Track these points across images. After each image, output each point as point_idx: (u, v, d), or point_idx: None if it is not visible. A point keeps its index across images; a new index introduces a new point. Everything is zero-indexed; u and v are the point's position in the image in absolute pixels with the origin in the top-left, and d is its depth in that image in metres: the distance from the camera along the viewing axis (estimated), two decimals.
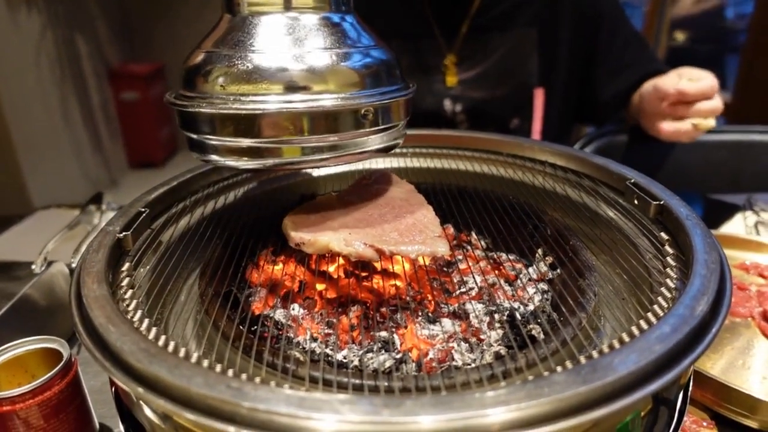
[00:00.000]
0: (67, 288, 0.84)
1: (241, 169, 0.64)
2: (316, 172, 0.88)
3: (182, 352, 0.43)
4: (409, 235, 0.62)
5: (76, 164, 3.32)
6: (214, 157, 0.61)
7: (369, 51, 0.61)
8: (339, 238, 0.60)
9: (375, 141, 0.62)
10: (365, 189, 0.74)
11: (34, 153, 2.88)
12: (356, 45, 0.60)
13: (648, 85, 1.18)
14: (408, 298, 0.63)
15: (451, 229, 0.80)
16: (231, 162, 0.60)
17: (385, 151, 0.65)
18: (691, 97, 1.05)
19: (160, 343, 0.44)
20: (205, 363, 0.42)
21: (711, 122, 1.06)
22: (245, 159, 0.59)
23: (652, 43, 2.93)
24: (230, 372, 0.40)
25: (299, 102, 0.55)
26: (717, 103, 1.05)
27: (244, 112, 0.56)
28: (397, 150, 0.90)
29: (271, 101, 0.55)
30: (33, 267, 0.86)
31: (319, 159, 0.60)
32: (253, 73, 0.56)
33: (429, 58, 1.29)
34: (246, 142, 0.58)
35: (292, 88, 0.55)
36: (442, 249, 0.60)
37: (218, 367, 0.41)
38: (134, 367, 0.41)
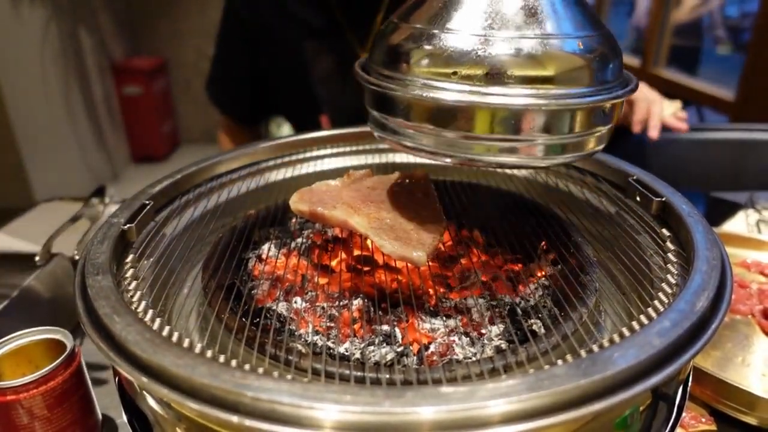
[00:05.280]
0: (70, 280, 0.84)
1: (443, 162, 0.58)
2: (317, 167, 0.88)
3: (186, 343, 0.43)
4: (401, 230, 0.62)
5: (79, 158, 3.33)
6: (406, 142, 0.56)
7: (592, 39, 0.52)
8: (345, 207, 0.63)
9: (593, 142, 0.55)
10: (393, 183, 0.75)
11: (36, 146, 2.89)
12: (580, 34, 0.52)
13: None
14: (409, 293, 0.63)
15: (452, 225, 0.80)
16: (427, 148, 0.55)
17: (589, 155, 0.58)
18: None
19: (164, 333, 0.45)
20: (209, 354, 0.42)
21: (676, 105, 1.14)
22: (446, 149, 0.54)
23: (655, 43, 2.93)
24: (233, 363, 0.41)
25: (512, 96, 0.49)
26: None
27: (452, 103, 0.50)
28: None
29: (475, 92, 0.49)
30: (36, 259, 0.87)
31: (514, 162, 0.54)
32: (465, 61, 0.49)
33: (345, 57, 1.24)
34: (447, 133, 0.53)
35: (499, 80, 0.48)
36: (418, 255, 0.57)
37: (221, 358, 0.41)
38: (138, 356, 0.41)
